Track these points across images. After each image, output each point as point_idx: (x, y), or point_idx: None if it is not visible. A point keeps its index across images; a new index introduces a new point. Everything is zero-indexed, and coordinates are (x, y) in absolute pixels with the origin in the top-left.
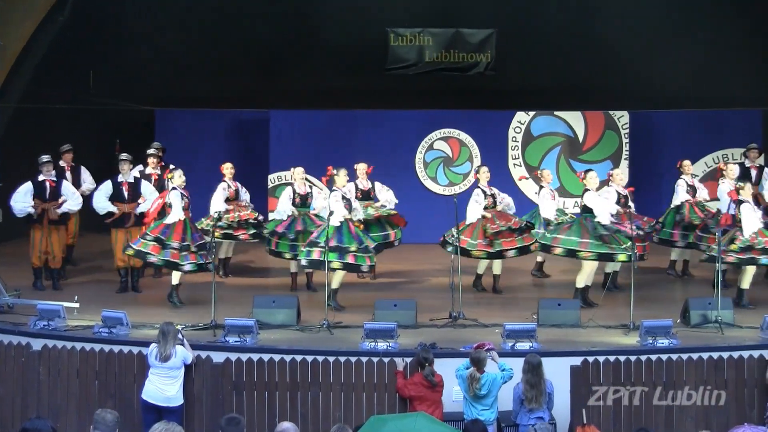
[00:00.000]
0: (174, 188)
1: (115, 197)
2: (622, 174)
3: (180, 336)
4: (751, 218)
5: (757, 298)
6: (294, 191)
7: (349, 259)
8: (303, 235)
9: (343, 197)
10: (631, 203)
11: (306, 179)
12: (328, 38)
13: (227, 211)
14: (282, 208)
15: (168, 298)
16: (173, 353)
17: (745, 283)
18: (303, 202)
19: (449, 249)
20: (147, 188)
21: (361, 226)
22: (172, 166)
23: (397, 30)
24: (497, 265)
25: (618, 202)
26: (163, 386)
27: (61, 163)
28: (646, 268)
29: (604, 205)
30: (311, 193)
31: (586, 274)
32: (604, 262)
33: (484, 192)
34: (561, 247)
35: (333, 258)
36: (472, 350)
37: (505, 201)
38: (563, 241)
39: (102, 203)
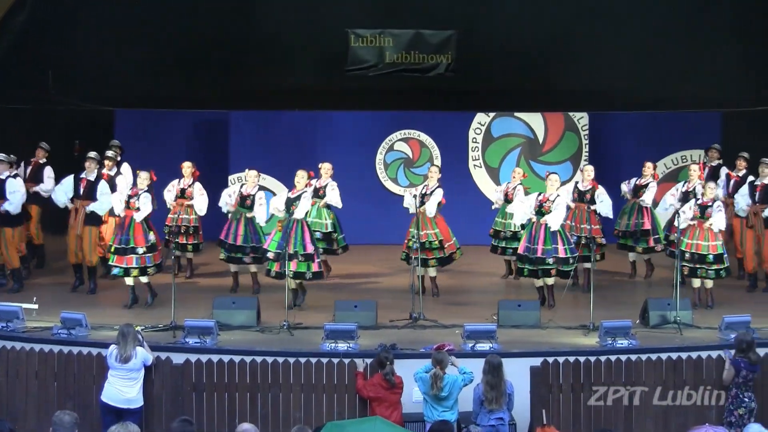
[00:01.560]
0: (146, 191)
1: (76, 195)
2: (592, 170)
3: (139, 337)
4: (720, 217)
5: (717, 299)
6: (240, 190)
7: (293, 267)
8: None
9: (288, 198)
10: (604, 199)
11: (258, 184)
12: (289, 39)
13: (169, 210)
14: (225, 201)
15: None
16: (133, 355)
17: (709, 282)
18: (242, 202)
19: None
20: (104, 188)
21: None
22: (128, 168)
23: (357, 31)
24: (432, 269)
25: (572, 197)
26: (123, 388)
27: (32, 158)
28: (606, 270)
29: (522, 209)
30: (253, 196)
31: None
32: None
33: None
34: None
35: (286, 268)
36: (433, 351)
37: (431, 201)
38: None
39: (61, 198)
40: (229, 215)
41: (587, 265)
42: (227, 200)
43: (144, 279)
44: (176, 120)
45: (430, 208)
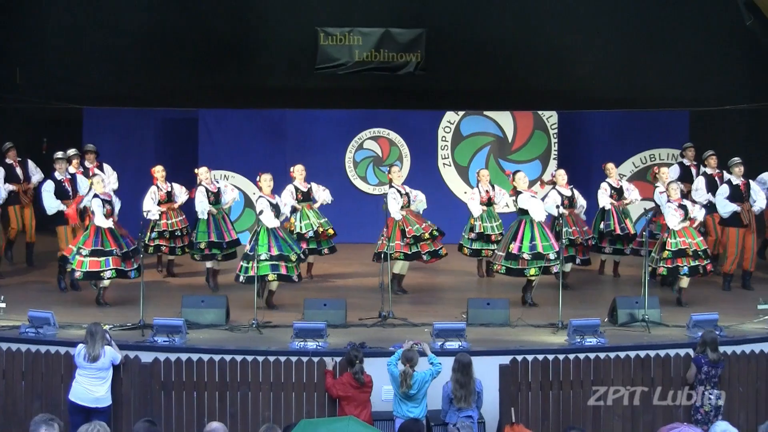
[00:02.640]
0: (96, 195)
1: (60, 195)
2: (564, 174)
3: (107, 336)
4: (671, 217)
5: (690, 297)
6: (207, 190)
7: (282, 270)
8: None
9: (271, 203)
10: (582, 202)
11: (212, 177)
12: (258, 37)
13: (160, 216)
14: (201, 209)
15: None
16: (102, 354)
17: (683, 281)
18: (216, 199)
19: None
20: (83, 183)
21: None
22: (96, 172)
23: (326, 29)
24: (404, 266)
25: (562, 204)
26: (92, 387)
27: (8, 160)
28: (575, 268)
29: (540, 206)
30: (220, 188)
31: None
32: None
33: (399, 191)
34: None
35: (267, 271)
36: (403, 348)
37: (418, 198)
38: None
39: (53, 203)
40: (210, 216)
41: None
42: (204, 209)
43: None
44: (145, 118)
45: (424, 200)
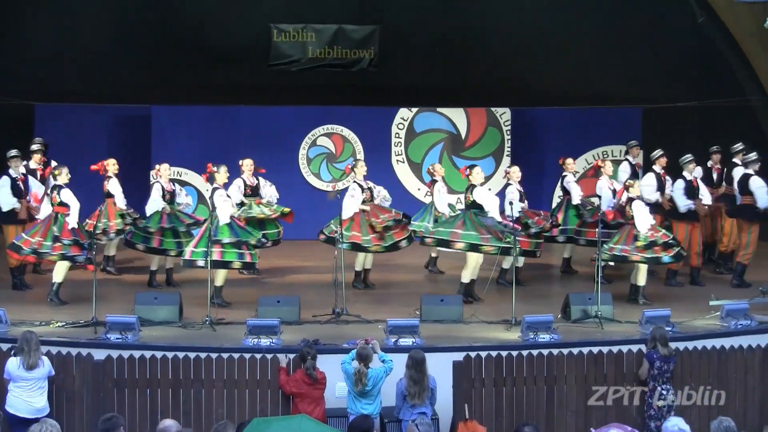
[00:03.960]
0: (64, 186)
1: (14, 193)
2: (518, 170)
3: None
4: (643, 214)
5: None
6: (162, 188)
7: (247, 258)
8: (168, 233)
9: (228, 195)
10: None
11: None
12: (211, 33)
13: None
14: (155, 206)
15: (51, 297)
16: (40, 363)
17: (641, 279)
18: (171, 198)
19: (343, 246)
20: (34, 183)
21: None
22: (54, 163)
23: (279, 26)
24: (369, 259)
25: (519, 199)
26: (31, 399)
27: None
28: (528, 264)
29: (495, 201)
30: (176, 190)
31: (471, 268)
32: (502, 257)
33: (361, 186)
34: (462, 242)
35: (234, 258)
36: (358, 345)
37: (382, 194)
38: (463, 236)
39: (9, 199)
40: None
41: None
42: (158, 209)
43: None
44: (97, 115)
45: (387, 195)
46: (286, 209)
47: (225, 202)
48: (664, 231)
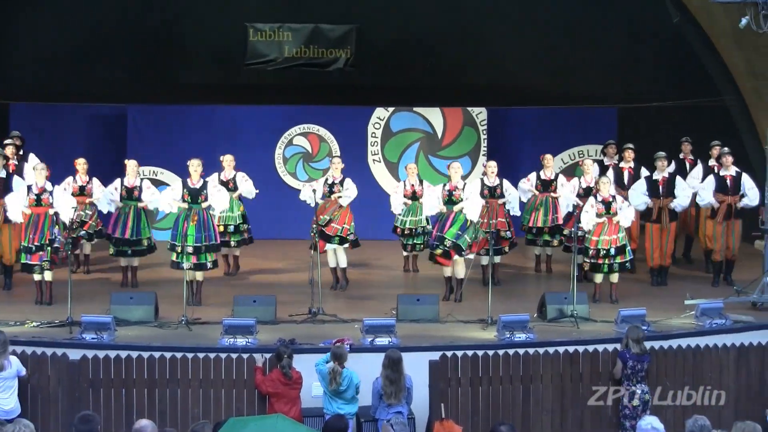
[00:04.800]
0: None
1: None
2: (494, 165)
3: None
4: (584, 214)
5: (619, 293)
6: (121, 183)
7: (192, 259)
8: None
9: (189, 188)
10: (509, 196)
11: (139, 173)
12: (187, 33)
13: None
14: (109, 199)
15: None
16: (7, 364)
17: (614, 277)
18: (129, 195)
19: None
20: (17, 182)
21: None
22: (36, 160)
23: (256, 25)
24: (341, 258)
25: (482, 193)
26: (0, 400)
27: None
28: (504, 264)
29: (429, 199)
30: (139, 186)
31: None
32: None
33: (326, 180)
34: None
35: (184, 260)
36: (332, 345)
37: (345, 194)
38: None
39: None
40: (118, 210)
41: (496, 259)
42: (111, 197)
43: (48, 276)
44: (73, 114)
45: (351, 193)
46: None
47: (219, 191)
48: (620, 235)
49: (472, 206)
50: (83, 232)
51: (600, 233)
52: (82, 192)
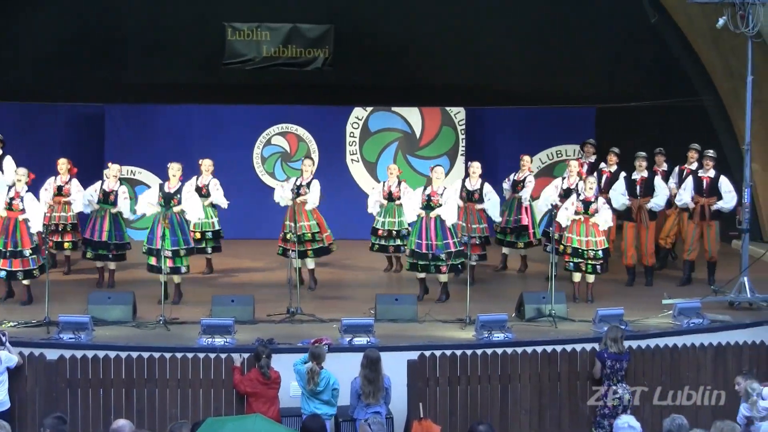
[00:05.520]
0: (27, 191)
1: None
2: (477, 166)
3: (2, 338)
4: (562, 211)
5: (596, 293)
6: (100, 187)
7: (168, 263)
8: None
9: (164, 192)
10: (488, 202)
11: (119, 179)
12: (165, 32)
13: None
14: (87, 199)
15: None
16: None
17: (590, 277)
18: (105, 198)
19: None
20: None
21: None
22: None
23: (234, 24)
24: (310, 261)
25: (459, 195)
26: None
27: None
28: (484, 264)
29: (409, 205)
30: (116, 191)
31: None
32: None
33: (295, 182)
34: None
35: (162, 263)
36: (310, 345)
37: (308, 198)
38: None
39: None
40: (93, 213)
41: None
42: (90, 199)
43: (26, 282)
44: (51, 114)
45: (313, 198)
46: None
47: (192, 197)
48: (598, 239)
49: (448, 211)
50: (68, 243)
51: (578, 233)
52: (60, 192)
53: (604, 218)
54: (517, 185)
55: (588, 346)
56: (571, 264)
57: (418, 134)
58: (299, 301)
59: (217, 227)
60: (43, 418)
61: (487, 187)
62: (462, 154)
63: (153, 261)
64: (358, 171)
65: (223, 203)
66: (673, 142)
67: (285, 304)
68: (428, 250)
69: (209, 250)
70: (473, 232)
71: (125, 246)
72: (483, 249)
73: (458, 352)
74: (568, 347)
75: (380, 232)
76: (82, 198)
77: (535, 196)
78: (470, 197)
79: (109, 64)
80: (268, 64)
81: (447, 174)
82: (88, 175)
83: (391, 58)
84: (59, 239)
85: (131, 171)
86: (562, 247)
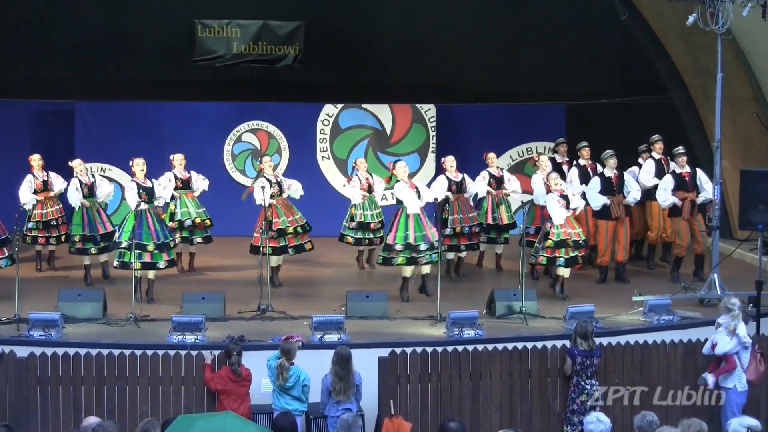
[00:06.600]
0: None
1: None
2: (453, 160)
3: None
4: (556, 209)
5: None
6: (80, 182)
7: (146, 258)
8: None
9: (140, 186)
10: (472, 189)
11: (87, 170)
12: (135, 28)
13: (35, 206)
14: (73, 201)
15: None
16: None
17: (564, 271)
18: (90, 192)
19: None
20: None
21: (163, 215)
22: None
23: (204, 21)
24: (279, 257)
25: (449, 189)
26: None
27: None
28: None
29: (413, 197)
30: (95, 182)
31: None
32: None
33: (269, 180)
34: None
35: (133, 258)
36: (281, 342)
37: (293, 186)
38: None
39: None
40: (83, 208)
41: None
42: (75, 194)
43: None
44: (19, 110)
45: (298, 186)
46: (208, 221)
47: (165, 188)
48: (580, 230)
49: (430, 191)
50: (53, 238)
51: (564, 227)
52: (45, 187)
53: (577, 203)
54: (501, 183)
55: (559, 343)
56: (562, 259)
57: (388, 131)
58: (270, 298)
59: (206, 216)
60: (13, 415)
61: (467, 178)
62: (432, 152)
63: (129, 257)
64: (328, 168)
65: (206, 186)
66: (643, 139)
67: (256, 301)
68: (422, 241)
69: (198, 240)
70: (471, 221)
71: (111, 235)
72: (471, 238)
73: (429, 349)
74: (539, 344)
75: (351, 224)
76: (71, 186)
77: (524, 190)
78: (459, 188)
79: (78, 60)
80: (239, 61)
81: (418, 171)
82: (58, 172)
83: (361, 55)
84: (56, 233)
85: (101, 168)
86: (550, 242)
